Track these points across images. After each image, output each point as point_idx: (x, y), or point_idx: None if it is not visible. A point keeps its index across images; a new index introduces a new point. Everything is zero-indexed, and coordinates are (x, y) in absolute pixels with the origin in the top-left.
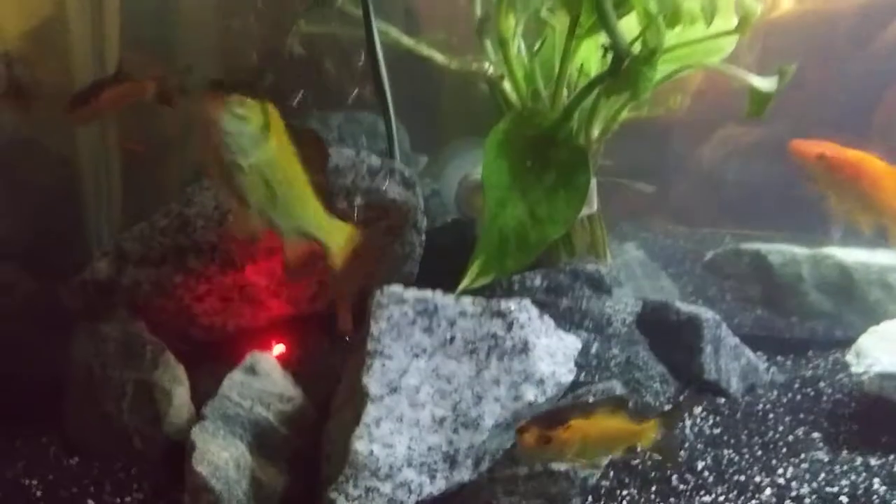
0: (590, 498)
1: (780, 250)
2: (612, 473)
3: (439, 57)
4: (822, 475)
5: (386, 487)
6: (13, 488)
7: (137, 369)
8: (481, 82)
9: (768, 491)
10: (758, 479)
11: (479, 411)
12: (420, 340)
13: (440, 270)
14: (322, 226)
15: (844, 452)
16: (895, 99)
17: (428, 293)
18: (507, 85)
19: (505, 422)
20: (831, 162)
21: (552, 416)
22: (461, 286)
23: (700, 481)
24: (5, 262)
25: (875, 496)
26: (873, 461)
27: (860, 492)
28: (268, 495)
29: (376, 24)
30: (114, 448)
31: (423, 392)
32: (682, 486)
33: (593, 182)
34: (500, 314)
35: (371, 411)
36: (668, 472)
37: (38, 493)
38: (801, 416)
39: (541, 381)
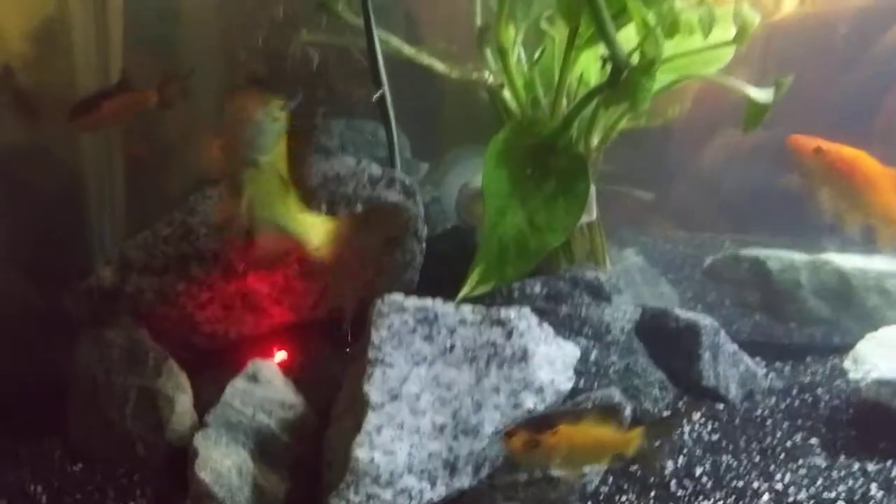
0: (589, 503)
1: (779, 256)
2: (611, 479)
3: (440, 66)
4: (820, 481)
5: (387, 494)
6: (17, 494)
7: (141, 376)
8: (481, 91)
9: (766, 496)
10: (756, 484)
11: (478, 419)
12: (420, 348)
13: (440, 277)
14: (299, 220)
15: (842, 458)
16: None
17: (428, 302)
18: (506, 94)
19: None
20: (827, 156)
21: (541, 421)
22: (461, 294)
23: (698, 487)
24: (9, 268)
25: (872, 501)
26: (871, 467)
27: (857, 497)
28: (270, 502)
29: (377, 33)
30: (117, 454)
31: (424, 399)
32: (680, 492)
33: (592, 190)
34: (500, 322)
35: (372, 419)
36: (667, 478)
37: (43, 499)
38: (799, 422)
39: (540, 389)
